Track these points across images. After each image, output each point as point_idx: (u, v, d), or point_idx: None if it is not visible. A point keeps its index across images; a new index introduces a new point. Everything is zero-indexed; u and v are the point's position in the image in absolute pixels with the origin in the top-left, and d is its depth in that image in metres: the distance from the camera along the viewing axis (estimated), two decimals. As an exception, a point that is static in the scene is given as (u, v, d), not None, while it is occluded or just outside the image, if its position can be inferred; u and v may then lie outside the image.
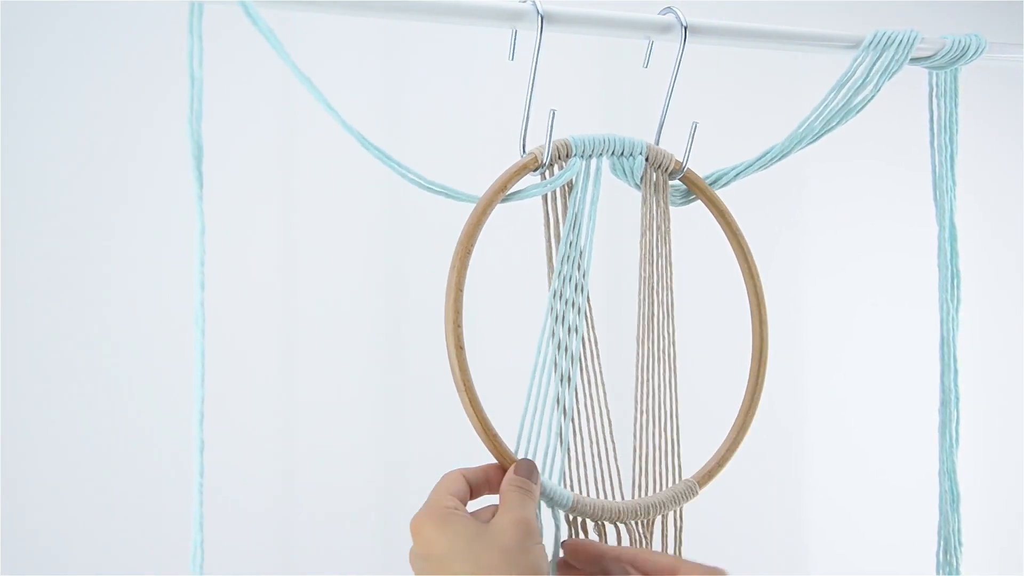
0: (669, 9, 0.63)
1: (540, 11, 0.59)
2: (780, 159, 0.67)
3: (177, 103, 0.94)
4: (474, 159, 1.03)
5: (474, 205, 0.59)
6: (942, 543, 0.75)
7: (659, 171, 0.64)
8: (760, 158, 0.67)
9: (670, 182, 0.66)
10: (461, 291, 0.57)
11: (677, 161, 0.65)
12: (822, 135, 0.67)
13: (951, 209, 0.74)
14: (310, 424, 0.98)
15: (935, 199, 0.75)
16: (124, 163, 0.93)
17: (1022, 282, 1.33)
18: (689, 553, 0.64)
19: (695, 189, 0.66)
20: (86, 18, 0.91)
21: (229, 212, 0.95)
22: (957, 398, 0.74)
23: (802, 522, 1.23)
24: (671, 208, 0.66)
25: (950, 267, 0.75)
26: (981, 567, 1.27)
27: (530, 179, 0.62)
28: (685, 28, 0.62)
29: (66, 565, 0.90)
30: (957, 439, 0.74)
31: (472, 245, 0.58)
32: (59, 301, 0.90)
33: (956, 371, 0.74)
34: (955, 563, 0.74)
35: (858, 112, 0.67)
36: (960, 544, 0.74)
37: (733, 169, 0.67)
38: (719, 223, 0.67)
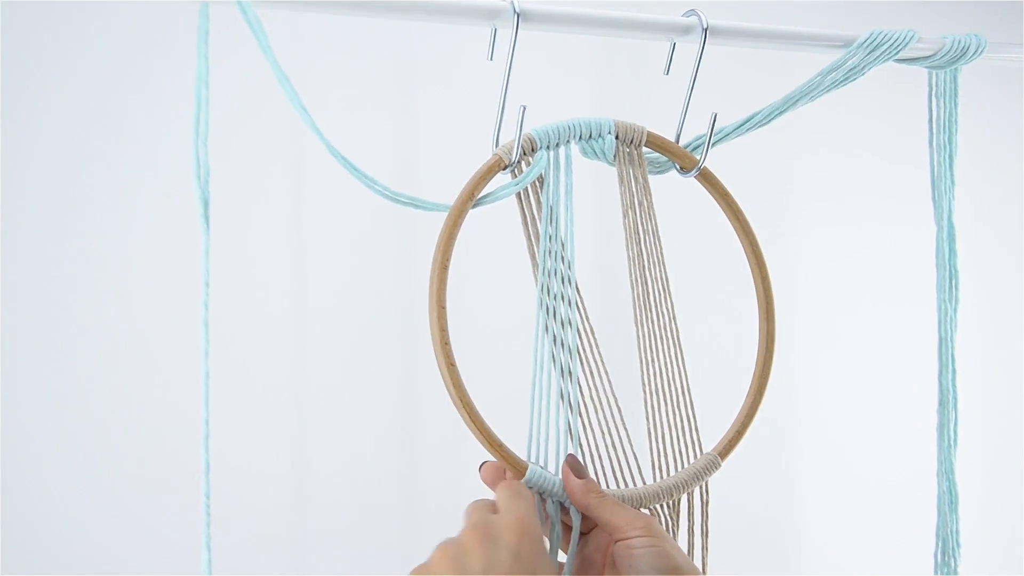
0: (693, 11, 0.64)
1: (516, 9, 0.59)
2: (761, 125, 0.66)
3: (183, 100, 0.94)
4: (470, 159, 1.03)
5: (444, 215, 0.59)
6: (940, 544, 0.74)
7: (631, 146, 0.63)
8: (742, 124, 0.66)
9: (685, 174, 0.65)
10: (443, 308, 0.56)
11: (650, 132, 0.64)
12: (803, 103, 0.67)
13: (950, 209, 0.74)
14: (320, 426, 0.98)
15: (934, 199, 0.75)
16: (129, 161, 0.93)
17: (1021, 282, 1.33)
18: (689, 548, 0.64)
19: (662, 151, 0.65)
20: (87, 17, 0.91)
21: (234, 211, 0.95)
22: (955, 398, 0.74)
23: (798, 522, 1.23)
24: (652, 177, 0.65)
25: (948, 267, 0.74)
26: (980, 568, 1.27)
27: (501, 179, 0.61)
28: (705, 30, 0.63)
29: (69, 565, 0.89)
30: (955, 439, 0.74)
31: (448, 259, 0.57)
32: (63, 302, 0.90)
33: (954, 371, 0.74)
34: (953, 564, 0.74)
35: (840, 86, 0.67)
36: (958, 545, 0.74)
37: (714, 134, 0.67)
38: (705, 187, 0.66)
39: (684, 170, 0.66)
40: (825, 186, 1.23)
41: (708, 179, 0.66)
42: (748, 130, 0.66)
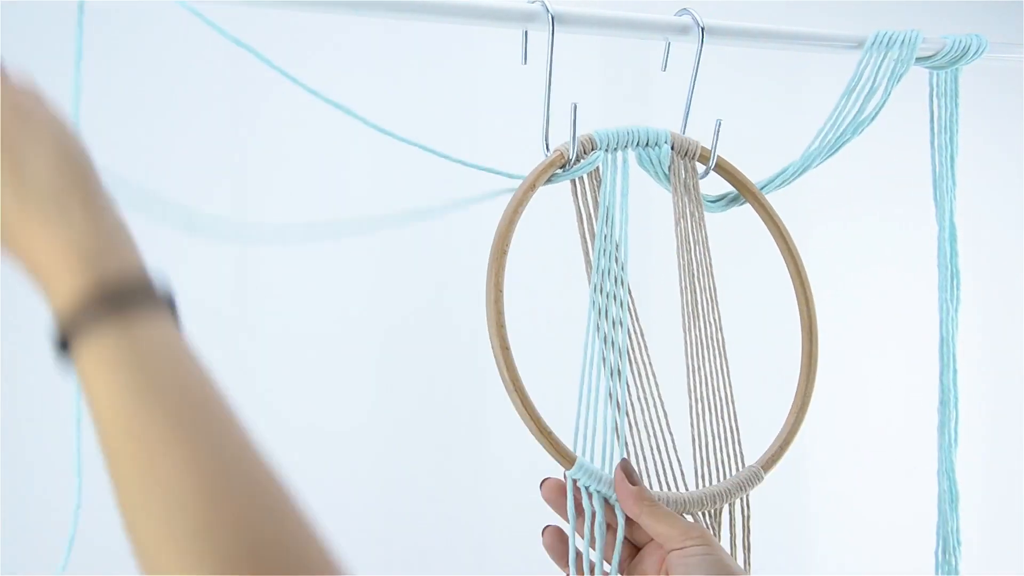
0: (686, 10, 0.64)
1: (551, 12, 0.59)
2: (800, 175, 0.68)
3: (188, 102, 0.94)
4: (492, 157, 1.03)
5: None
6: (941, 542, 0.75)
7: (686, 159, 0.64)
8: (780, 174, 0.68)
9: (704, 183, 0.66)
10: (501, 291, 0.57)
11: (703, 147, 0.65)
12: (837, 148, 0.67)
13: (951, 209, 0.74)
14: (353, 428, 0.98)
15: (935, 199, 0.75)
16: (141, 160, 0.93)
17: (1022, 282, 1.33)
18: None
19: (727, 176, 0.66)
20: (103, 19, 0.91)
21: (254, 208, 0.95)
22: (956, 398, 0.74)
23: (800, 521, 1.23)
24: (713, 214, 0.66)
25: (950, 267, 0.75)
26: (980, 567, 1.27)
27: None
28: (703, 29, 0.63)
29: (71, 565, 0.89)
30: (956, 438, 0.75)
31: (507, 245, 0.58)
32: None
33: (955, 371, 0.75)
34: (954, 562, 0.74)
35: (871, 122, 0.67)
36: (959, 544, 0.74)
37: (781, 181, 0.68)
38: (753, 207, 0.67)
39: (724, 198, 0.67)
40: (825, 187, 1.23)
41: (760, 203, 0.67)
42: (791, 179, 0.68)
